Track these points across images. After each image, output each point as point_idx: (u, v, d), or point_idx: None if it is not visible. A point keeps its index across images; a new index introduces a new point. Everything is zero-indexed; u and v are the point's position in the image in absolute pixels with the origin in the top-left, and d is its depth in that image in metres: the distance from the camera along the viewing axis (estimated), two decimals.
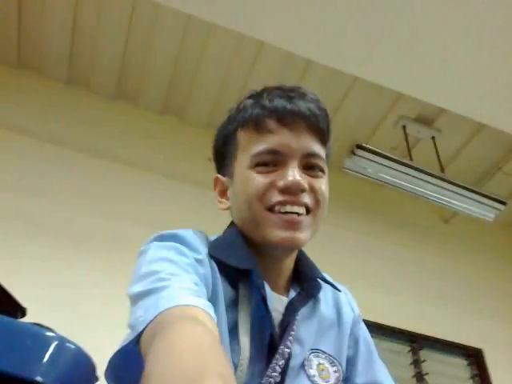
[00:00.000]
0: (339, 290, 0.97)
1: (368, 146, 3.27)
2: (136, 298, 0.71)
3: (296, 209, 0.80)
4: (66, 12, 3.01)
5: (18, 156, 2.95)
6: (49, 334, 0.65)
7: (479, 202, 3.49)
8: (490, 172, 3.99)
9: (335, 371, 0.86)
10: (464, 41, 2.54)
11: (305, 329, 0.85)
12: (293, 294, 0.87)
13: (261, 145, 0.82)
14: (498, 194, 3.61)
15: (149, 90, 3.48)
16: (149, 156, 3.34)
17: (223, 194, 0.91)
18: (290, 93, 0.85)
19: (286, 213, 0.79)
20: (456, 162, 3.89)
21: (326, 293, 0.94)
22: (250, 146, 0.84)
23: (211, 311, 0.66)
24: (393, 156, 3.32)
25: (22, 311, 0.94)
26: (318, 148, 0.85)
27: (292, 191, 0.80)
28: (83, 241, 2.80)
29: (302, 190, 0.80)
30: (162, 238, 0.81)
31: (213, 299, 0.76)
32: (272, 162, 0.82)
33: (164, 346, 0.55)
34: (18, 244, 2.60)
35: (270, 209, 0.80)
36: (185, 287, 0.69)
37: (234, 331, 0.78)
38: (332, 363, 0.86)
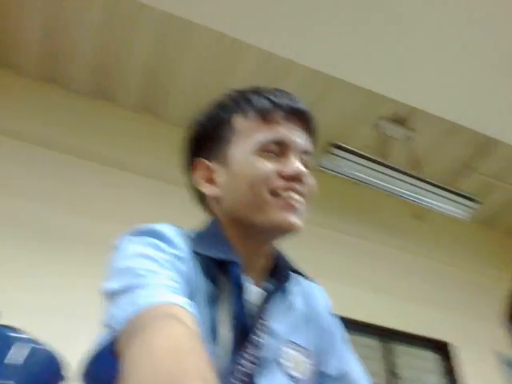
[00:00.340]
0: (313, 283, 0.99)
1: (344, 146, 3.32)
2: (112, 296, 0.69)
3: (298, 197, 0.84)
4: (44, 10, 2.98)
5: None
6: (16, 335, 0.64)
7: (452, 200, 3.57)
8: (462, 171, 4.07)
9: (308, 363, 0.87)
10: (438, 41, 2.59)
11: (279, 321, 0.86)
12: (268, 286, 0.88)
13: (268, 134, 0.86)
14: (470, 193, 3.69)
15: (126, 88, 3.47)
16: (125, 155, 3.33)
17: (208, 179, 0.90)
18: (288, 94, 0.91)
19: (290, 198, 0.83)
20: (430, 161, 3.97)
21: (300, 287, 0.95)
22: (255, 134, 0.86)
23: (191, 308, 0.65)
24: (368, 155, 3.37)
25: None
26: (311, 147, 0.91)
27: (296, 180, 0.84)
28: (57, 241, 2.77)
29: (304, 181, 0.85)
30: (139, 233, 0.80)
31: (193, 295, 0.75)
32: (276, 151, 0.86)
33: (143, 348, 0.54)
34: None
35: (274, 193, 0.83)
36: (163, 284, 0.67)
37: (215, 325, 0.77)
38: (305, 355, 0.87)
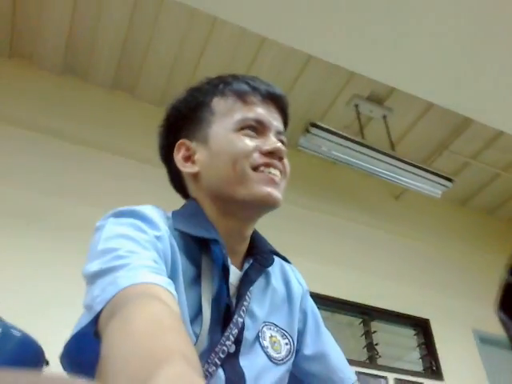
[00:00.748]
0: (289, 263, 1.01)
1: (322, 125, 3.31)
2: (93, 277, 0.69)
3: (277, 172, 0.87)
4: None
5: None
6: None
7: (427, 179, 3.61)
8: (438, 150, 4.12)
9: (286, 343, 0.89)
10: (414, 21, 2.58)
11: (258, 302, 0.89)
12: (247, 266, 0.89)
13: (247, 113, 0.90)
14: (446, 172, 3.74)
15: (99, 65, 3.40)
16: (99, 133, 3.27)
17: (187, 159, 0.91)
18: (264, 81, 0.96)
19: (270, 173, 0.86)
20: (406, 141, 4.00)
21: (276, 268, 0.98)
22: (234, 114, 0.90)
23: (171, 288, 0.66)
24: (346, 134, 3.37)
25: None
26: (283, 129, 0.95)
27: (275, 156, 0.87)
28: (34, 220, 2.73)
29: (282, 158, 0.89)
30: (119, 214, 0.80)
31: (172, 276, 0.76)
32: (255, 130, 0.89)
33: (122, 326, 0.54)
34: None
35: (255, 169, 0.85)
36: (144, 265, 0.68)
37: (196, 305, 0.79)
38: (283, 336, 0.90)
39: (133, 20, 3.13)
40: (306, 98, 3.59)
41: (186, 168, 0.91)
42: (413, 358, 3.72)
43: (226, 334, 0.80)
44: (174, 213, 0.89)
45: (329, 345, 0.96)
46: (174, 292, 0.66)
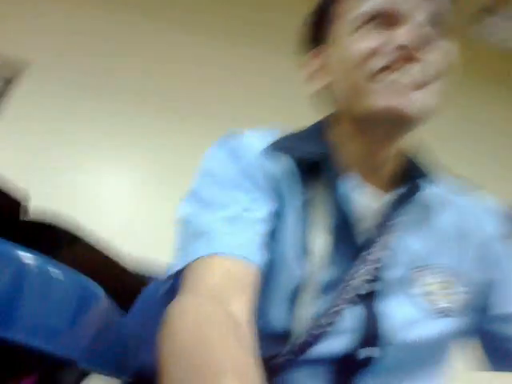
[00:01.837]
0: (478, 200, 0.82)
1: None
2: (183, 225, 0.69)
3: (406, 77, 0.65)
4: None
5: None
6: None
7: None
8: None
9: (449, 294, 0.72)
10: None
11: (412, 238, 0.73)
12: (397, 193, 0.74)
13: (365, 4, 0.69)
14: None
15: None
16: None
17: (317, 74, 0.78)
18: None
19: (391, 81, 0.66)
20: None
21: (449, 201, 0.79)
22: (352, 10, 0.71)
23: (255, 258, 0.63)
24: None
25: (22, 208, 0.92)
26: (442, 9, 0.69)
27: (406, 55, 0.66)
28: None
29: (416, 56, 0.66)
30: (233, 151, 0.74)
31: (280, 209, 0.70)
32: (382, 22, 0.68)
33: (171, 341, 0.50)
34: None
35: (372, 77, 0.67)
36: (228, 232, 0.64)
37: (306, 234, 0.70)
38: (446, 285, 0.73)
39: None
40: None
41: (315, 83, 0.78)
42: None
43: (352, 270, 0.69)
44: (290, 133, 0.79)
45: None
46: (258, 261, 0.63)
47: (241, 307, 0.57)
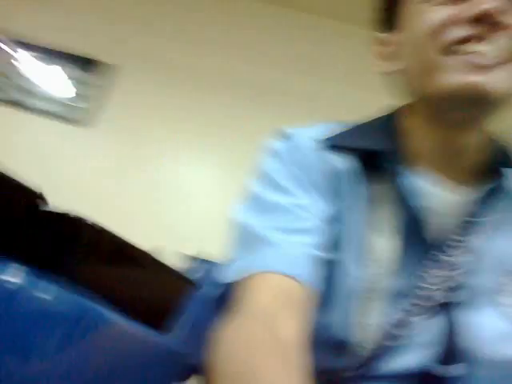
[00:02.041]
0: None
1: None
2: (239, 229, 0.64)
3: (484, 48, 0.57)
4: None
5: None
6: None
7: None
8: None
9: None
10: None
11: (501, 239, 0.64)
12: (483, 189, 0.65)
13: None
14: None
15: None
16: None
17: (387, 56, 0.69)
18: None
19: (470, 53, 0.57)
20: None
21: None
22: None
23: (312, 277, 0.58)
24: None
25: (40, 198, 0.85)
26: None
27: (482, 24, 0.57)
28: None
29: (497, 23, 0.57)
30: (289, 152, 0.69)
31: (338, 211, 0.65)
32: None
33: (220, 365, 0.48)
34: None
35: (447, 50, 0.58)
36: (286, 242, 0.60)
37: (370, 235, 0.64)
38: None
39: None
40: None
41: (382, 67, 0.70)
42: None
43: (426, 275, 0.61)
44: (356, 125, 0.72)
45: None
46: (312, 282, 0.58)
47: (293, 331, 0.52)
